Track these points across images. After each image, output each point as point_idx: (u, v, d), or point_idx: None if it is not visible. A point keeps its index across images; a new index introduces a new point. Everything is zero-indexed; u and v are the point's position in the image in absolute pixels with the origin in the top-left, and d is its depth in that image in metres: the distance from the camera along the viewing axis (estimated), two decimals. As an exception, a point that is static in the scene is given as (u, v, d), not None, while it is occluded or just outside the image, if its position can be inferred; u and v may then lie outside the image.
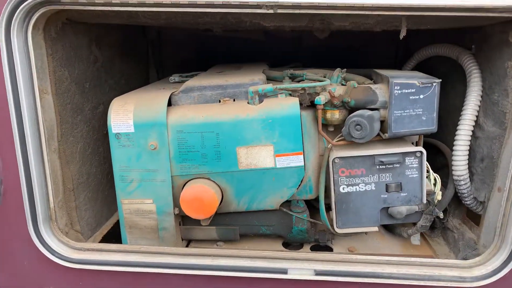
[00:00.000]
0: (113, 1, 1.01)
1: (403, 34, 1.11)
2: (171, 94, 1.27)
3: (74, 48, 1.29)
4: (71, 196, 1.29)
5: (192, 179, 1.25)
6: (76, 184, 1.31)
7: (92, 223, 1.42)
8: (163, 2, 1.01)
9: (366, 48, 2.06)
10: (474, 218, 1.30)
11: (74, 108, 1.31)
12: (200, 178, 1.25)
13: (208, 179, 1.25)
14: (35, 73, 1.09)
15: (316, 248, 1.40)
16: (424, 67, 1.45)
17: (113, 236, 1.44)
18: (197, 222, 1.31)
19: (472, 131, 1.23)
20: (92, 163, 1.42)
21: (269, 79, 1.44)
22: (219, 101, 1.27)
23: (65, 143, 1.25)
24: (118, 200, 1.27)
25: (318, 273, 1.11)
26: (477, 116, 1.23)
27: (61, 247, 1.18)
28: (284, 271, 1.12)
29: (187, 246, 1.41)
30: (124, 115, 1.22)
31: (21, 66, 1.05)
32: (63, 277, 1.20)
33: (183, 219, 1.35)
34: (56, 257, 1.16)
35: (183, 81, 1.45)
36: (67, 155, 1.26)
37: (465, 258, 1.21)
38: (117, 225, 1.44)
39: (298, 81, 1.38)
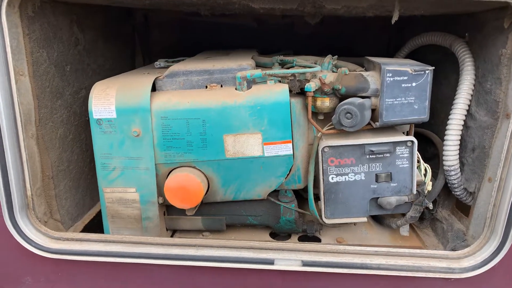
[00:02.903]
0: (92, -23, 0.95)
1: (395, 18, 1.08)
2: (156, 79, 1.22)
3: (53, 29, 1.23)
4: (50, 184, 1.23)
5: (177, 168, 1.21)
6: (56, 171, 1.26)
7: (73, 212, 1.36)
8: (146, -20, 0.95)
9: (358, 36, 2.02)
10: (463, 209, 1.28)
11: (53, 92, 1.25)
12: (185, 166, 1.21)
13: (194, 167, 1.21)
14: (9, 53, 1.03)
15: (303, 238, 1.37)
16: (416, 57, 1.43)
17: (95, 226, 1.40)
18: (182, 212, 1.27)
19: (464, 120, 1.21)
20: (73, 150, 1.37)
21: (258, 65, 1.40)
22: (206, 87, 1.23)
23: (43, 128, 1.20)
24: (99, 188, 1.22)
25: (305, 263, 1.09)
26: (469, 106, 1.21)
27: (38, 237, 1.13)
28: (271, 262, 1.09)
29: (171, 236, 1.37)
30: (105, 100, 1.16)
31: (-6, 45, 0.99)
32: (40, 267, 1.16)
33: (167, 209, 1.31)
34: (33, 246, 1.11)
35: (168, 66, 1.40)
36: (46, 141, 1.21)
37: (453, 249, 1.19)
38: (99, 215, 1.39)
39: (288, 68, 1.34)
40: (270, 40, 2.08)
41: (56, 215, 1.27)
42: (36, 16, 1.14)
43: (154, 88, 1.22)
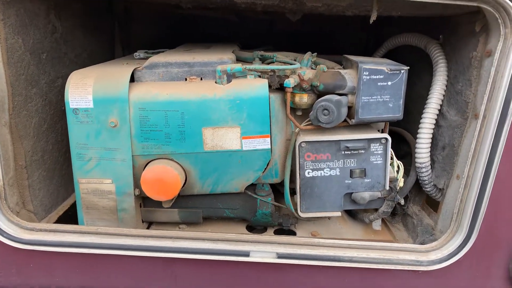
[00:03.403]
0: (71, -36, 0.93)
1: (373, 18, 1.10)
2: (134, 70, 1.21)
3: (29, 15, 1.20)
4: (23, 174, 1.21)
5: (154, 160, 1.20)
6: (29, 161, 1.23)
7: (47, 203, 1.34)
8: (127, -31, 0.94)
9: (338, 34, 2.06)
10: (432, 204, 1.33)
11: (28, 79, 1.22)
12: (162, 158, 1.21)
13: (171, 159, 1.21)
14: (-17, 38, 1.01)
15: (279, 232, 1.40)
16: (392, 57, 1.46)
17: (70, 217, 1.38)
18: (158, 204, 1.27)
19: (436, 119, 1.26)
20: (48, 140, 1.34)
21: (239, 60, 1.41)
22: (185, 79, 1.23)
23: (17, 116, 1.17)
24: (75, 179, 1.21)
25: (280, 256, 1.11)
26: (441, 105, 1.25)
27: (10, 227, 1.11)
28: (247, 254, 1.11)
29: (147, 228, 1.36)
30: (83, 89, 1.15)
31: (-34, 29, 0.96)
32: (12, 259, 1.14)
33: (144, 201, 1.31)
34: (5, 237, 1.09)
35: (148, 58, 1.39)
36: (19, 130, 1.18)
37: (422, 243, 1.24)
38: (74, 207, 1.37)
39: (268, 63, 1.35)
40: (251, 35, 2.09)
41: (29, 205, 1.24)
42: (12, 1, 1.11)
43: (132, 79, 1.21)
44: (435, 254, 1.13)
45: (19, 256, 1.13)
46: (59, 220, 1.36)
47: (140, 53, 1.46)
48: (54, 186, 1.39)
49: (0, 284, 1.17)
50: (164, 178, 1.16)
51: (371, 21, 1.12)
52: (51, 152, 1.36)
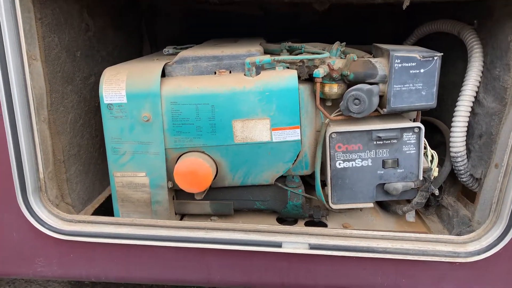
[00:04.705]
0: (105, -39, 0.96)
1: (406, 4, 1.08)
2: (165, 65, 1.24)
3: (64, 14, 1.24)
4: (61, 168, 1.26)
5: (186, 152, 1.22)
6: (67, 156, 1.28)
7: (83, 196, 1.39)
8: (158, -36, 0.96)
9: (365, 25, 2.02)
10: (468, 195, 1.29)
11: (64, 77, 1.26)
12: (194, 151, 1.22)
13: (203, 152, 1.22)
14: (23, 37, 1.05)
15: (310, 224, 1.39)
16: (423, 44, 1.43)
17: (105, 210, 1.42)
18: (191, 196, 1.29)
19: (472, 107, 1.22)
20: (84, 135, 1.39)
21: (267, 52, 1.41)
22: (215, 73, 1.24)
23: (55, 112, 1.21)
24: (110, 172, 1.24)
25: (312, 247, 1.11)
26: (477, 92, 1.21)
27: (51, 219, 1.15)
28: (279, 245, 1.11)
29: (180, 220, 1.39)
30: (116, 85, 1.18)
31: (7, 28, 1.00)
32: (53, 249, 1.18)
33: (176, 193, 1.33)
34: (47, 228, 1.14)
35: (177, 53, 1.41)
36: (57, 126, 1.23)
37: (459, 235, 1.20)
38: (108, 200, 1.42)
39: (296, 54, 1.35)
40: (276, 29, 2.08)
41: (67, 198, 1.29)
42: (48, 1, 1.15)
43: (163, 74, 1.23)
44: (474, 246, 1.09)
45: (60, 247, 1.18)
46: (95, 213, 1.41)
47: (169, 49, 1.48)
48: (90, 180, 1.44)
49: (42, 274, 1.22)
50: (196, 170, 1.17)
51: (404, 7, 1.09)
52: (86, 147, 1.41)
